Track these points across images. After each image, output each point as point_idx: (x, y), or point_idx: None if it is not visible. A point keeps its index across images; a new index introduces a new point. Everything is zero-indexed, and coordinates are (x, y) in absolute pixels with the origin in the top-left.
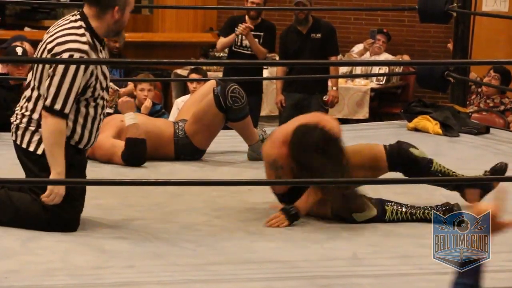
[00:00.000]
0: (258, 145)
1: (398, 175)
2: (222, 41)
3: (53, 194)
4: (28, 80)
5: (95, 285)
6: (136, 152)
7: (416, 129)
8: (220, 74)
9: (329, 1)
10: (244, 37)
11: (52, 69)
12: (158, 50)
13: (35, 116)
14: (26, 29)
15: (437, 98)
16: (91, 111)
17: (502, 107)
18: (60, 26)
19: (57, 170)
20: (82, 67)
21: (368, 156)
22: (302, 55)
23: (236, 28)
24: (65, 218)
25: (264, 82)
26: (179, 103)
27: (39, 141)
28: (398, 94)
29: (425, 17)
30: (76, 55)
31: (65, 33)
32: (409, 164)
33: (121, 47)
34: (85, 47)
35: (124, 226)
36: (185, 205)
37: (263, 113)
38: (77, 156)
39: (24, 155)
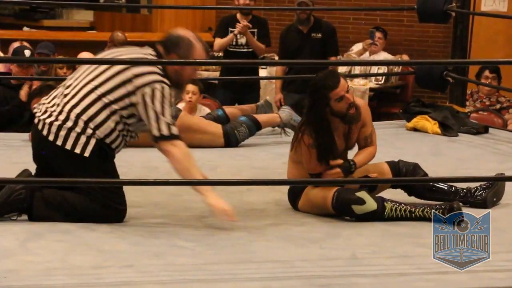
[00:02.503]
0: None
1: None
2: (219, 42)
3: (225, 210)
4: (72, 81)
5: (94, 285)
6: None
7: (415, 129)
8: (218, 74)
9: (328, 1)
10: (239, 36)
11: (150, 101)
12: None
13: (84, 118)
14: (25, 28)
15: (436, 98)
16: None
17: (498, 106)
18: None
19: (206, 190)
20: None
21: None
22: (302, 54)
23: (230, 28)
24: (120, 209)
25: (263, 81)
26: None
27: (86, 143)
28: (397, 94)
29: (424, 17)
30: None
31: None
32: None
33: None
34: None
35: (123, 225)
36: (183, 205)
37: None
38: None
39: (66, 157)
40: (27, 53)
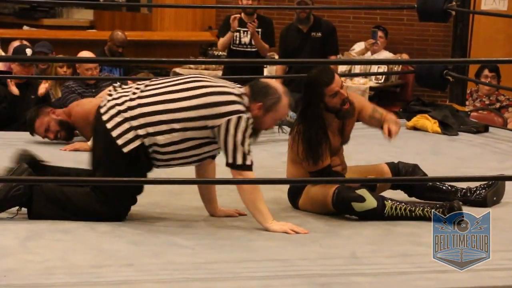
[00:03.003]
0: None
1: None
2: (221, 41)
3: (292, 230)
4: (155, 83)
5: (93, 284)
6: None
7: (415, 128)
8: (219, 73)
9: (328, 0)
10: (242, 35)
11: (233, 130)
12: (157, 49)
13: (147, 119)
14: (25, 27)
15: (436, 97)
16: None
17: (498, 105)
18: None
19: (269, 221)
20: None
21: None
22: (302, 53)
23: (232, 27)
24: (121, 210)
25: None
26: None
27: (131, 140)
28: (397, 93)
29: (424, 16)
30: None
31: None
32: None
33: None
34: None
35: (122, 224)
36: (183, 203)
37: None
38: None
39: (106, 142)
40: (28, 51)
